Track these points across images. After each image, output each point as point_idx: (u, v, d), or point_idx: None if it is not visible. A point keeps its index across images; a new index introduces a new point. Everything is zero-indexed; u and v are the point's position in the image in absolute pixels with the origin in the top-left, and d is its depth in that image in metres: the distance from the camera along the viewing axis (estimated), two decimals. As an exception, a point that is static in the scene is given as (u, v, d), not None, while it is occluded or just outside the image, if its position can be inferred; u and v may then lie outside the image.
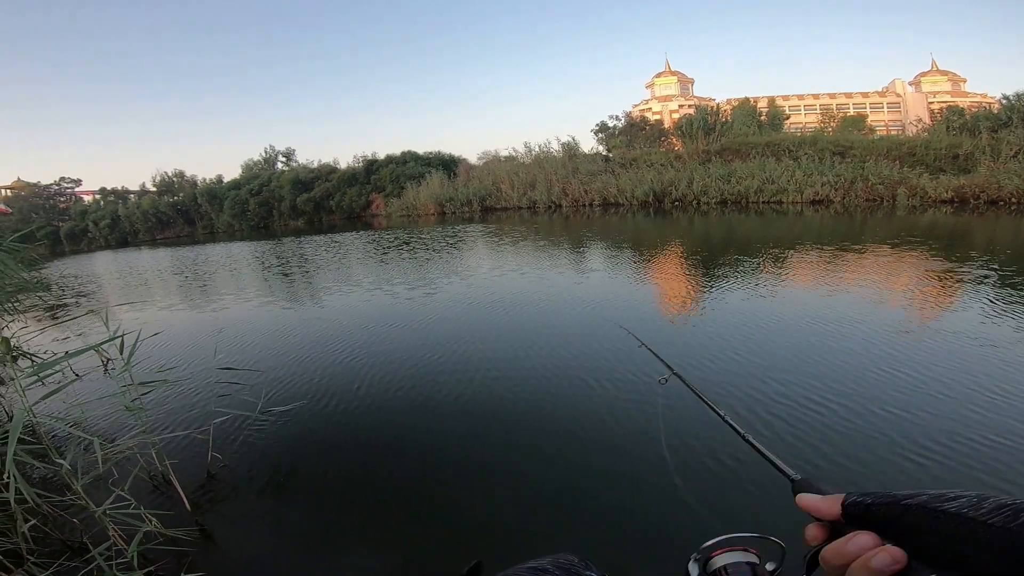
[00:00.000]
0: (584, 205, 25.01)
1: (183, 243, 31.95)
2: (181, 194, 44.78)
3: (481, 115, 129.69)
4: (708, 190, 20.95)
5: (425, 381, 4.47)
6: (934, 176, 17.06)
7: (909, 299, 6.00)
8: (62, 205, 47.72)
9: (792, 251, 9.37)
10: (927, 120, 27.71)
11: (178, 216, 43.41)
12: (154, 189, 46.35)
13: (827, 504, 0.52)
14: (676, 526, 2.45)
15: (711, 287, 7.21)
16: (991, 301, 5.51)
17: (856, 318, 5.24)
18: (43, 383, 2.57)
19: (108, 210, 43.78)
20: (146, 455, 3.07)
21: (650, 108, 50.20)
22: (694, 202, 21.23)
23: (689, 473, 2.82)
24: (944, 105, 31.46)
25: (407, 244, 15.67)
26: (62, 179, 48.19)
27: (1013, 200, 14.63)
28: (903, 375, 3.80)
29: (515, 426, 3.56)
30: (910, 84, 50.92)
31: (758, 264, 8.43)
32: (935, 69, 50.31)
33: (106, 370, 5.49)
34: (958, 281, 6.53)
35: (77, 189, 49.31)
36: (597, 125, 32.48)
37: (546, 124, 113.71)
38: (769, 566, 0.58)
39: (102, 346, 2.70)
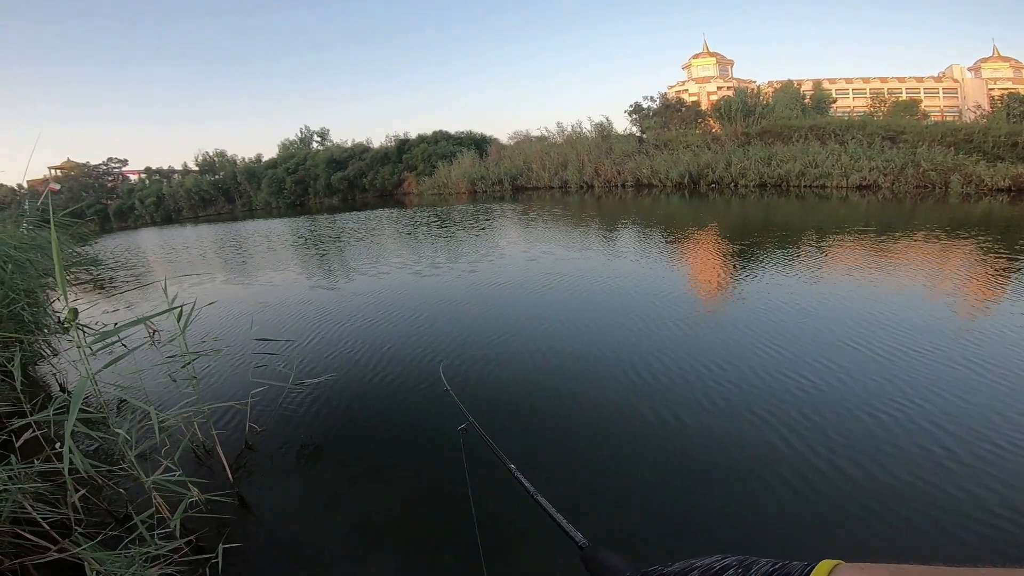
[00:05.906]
0: (617, 186, 24.57)
1: (224, 220, 32.90)
2: (222, 173, 45.95)
3: (513, 96, 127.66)
4: (747, 172, 20.22)
5: (450, 355, 4.50)
6: (991, 164, 16.02)
7: (965, 290, 5.70)
8: (110, 184, 49.50)
9: (830, 237, 9.00)
10: (986, 107, 26.03)
11: (219, 194, 44.71)
12: (196, 168, 47.67)
13: None
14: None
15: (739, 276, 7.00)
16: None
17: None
18: (97, 353, 2.67)
19: (153, 189, 45.37)
20: (191, 425, 3.19)
21: (687, 90, 48.42)
22: (731, 184, 20.55)
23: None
24: (1005, 92, 29.47)
25: (438, 222, 15.73)
26: (110, 159, 50.00)
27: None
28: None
29: (577, 398, 3.57)
30: (969, 70, 47.91)
31: (793, 252, 8.14)
32: (996, 55, 47.21)
33: (152, 342, 5.71)
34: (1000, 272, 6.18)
35: (124, 169, 51.10)
36: (631, 106, 31.70)
37: (579, 105, 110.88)
38: None
39: (155, 317, 2.79)
